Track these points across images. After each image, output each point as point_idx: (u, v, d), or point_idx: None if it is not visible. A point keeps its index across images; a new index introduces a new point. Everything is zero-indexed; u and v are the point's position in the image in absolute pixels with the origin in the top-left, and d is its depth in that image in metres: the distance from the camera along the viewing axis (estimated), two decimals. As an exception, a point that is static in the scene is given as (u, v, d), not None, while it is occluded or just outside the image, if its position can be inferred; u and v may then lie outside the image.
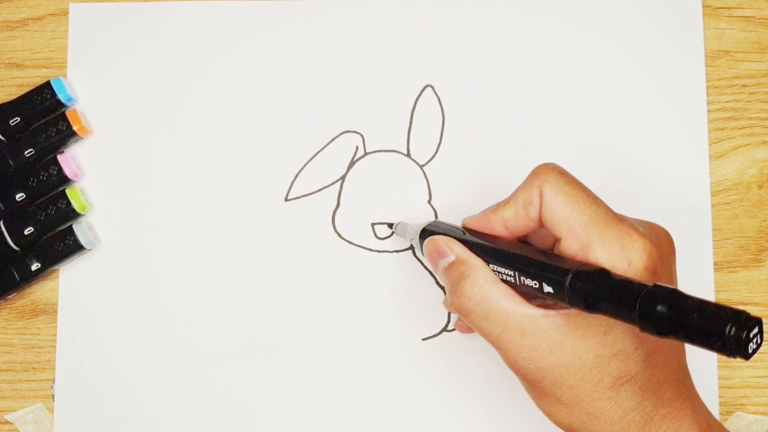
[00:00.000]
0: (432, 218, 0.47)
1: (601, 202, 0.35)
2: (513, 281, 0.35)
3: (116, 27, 0.50)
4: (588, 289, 0.31)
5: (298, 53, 0.49)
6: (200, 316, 0.48)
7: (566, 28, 0.49)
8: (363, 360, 0.47)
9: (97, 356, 0.48)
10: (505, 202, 0.37)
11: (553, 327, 0.34)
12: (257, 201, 0.48)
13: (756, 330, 0.26)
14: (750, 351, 0.26)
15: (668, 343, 0.35)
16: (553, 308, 0.34)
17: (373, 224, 0.48)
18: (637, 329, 0.29)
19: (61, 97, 0.47)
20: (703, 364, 0.47)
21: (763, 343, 0.31)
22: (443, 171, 0.48)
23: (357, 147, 0.49)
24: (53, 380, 0.48)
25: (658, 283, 0.29)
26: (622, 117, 0.48)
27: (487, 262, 0.37)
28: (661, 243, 0.35)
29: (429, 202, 0.48)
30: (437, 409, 0.47)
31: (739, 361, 0.47)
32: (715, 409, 0.46)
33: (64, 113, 0.48)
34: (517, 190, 0.37)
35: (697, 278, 0.47)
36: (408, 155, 0.49)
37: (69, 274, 0.48)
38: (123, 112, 0.49)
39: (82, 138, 0.48)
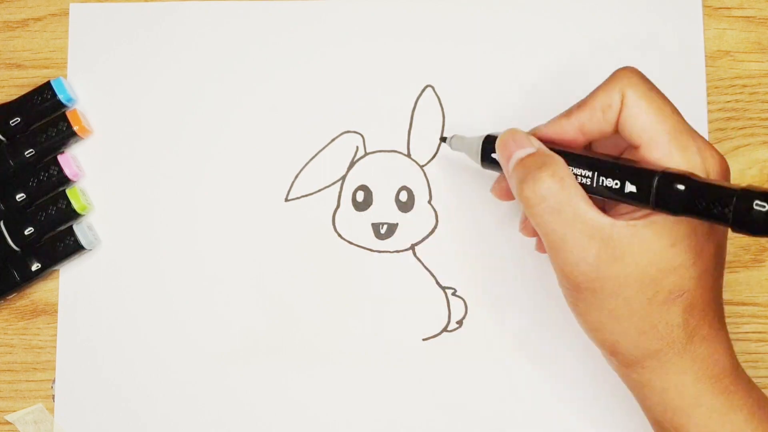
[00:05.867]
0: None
1: (680, 113, 0.35)
2: (590, 184, 0.34)
3: (117, 27, 0.50)
4: (677, 190, 0.31)
5: (299, 53, 0.49)
6: (200, 317, 0.48)
7: (566, 28, 0.49)
8: (363, 360, 0.47)
9: (98, 356, 0.48)
10: (580, 105, 0.36)
11: (621, 236, 0.34)
12: (257, 201, 0.48)
13: None
14: None
15: (719, 265, 0.35)
16: (621, 218, 0.34)
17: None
18: (702, 241, 0.30)
19: (61, 97, 0.48)
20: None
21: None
22: (443, 171, 0.48)
23: (357, 147, 0.49)
24: (53, 380, 0.48)
25: (751, 185, 0.30)
26: (622, 117, 0.48)
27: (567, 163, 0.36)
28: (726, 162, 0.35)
29: (429, 202, 0.48)
30: (437, 409, 0.47)
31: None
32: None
33: (64, 113, 0.48)
34: (595, 92, 0.36)
35: (697, 278, 0.47)
36: (408, 155, 0.49)
37: (69, 274, 0.48)
38: (123, 112, 0.49)
39: (82, 138, 0.48)
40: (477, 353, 0.47)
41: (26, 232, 0.47)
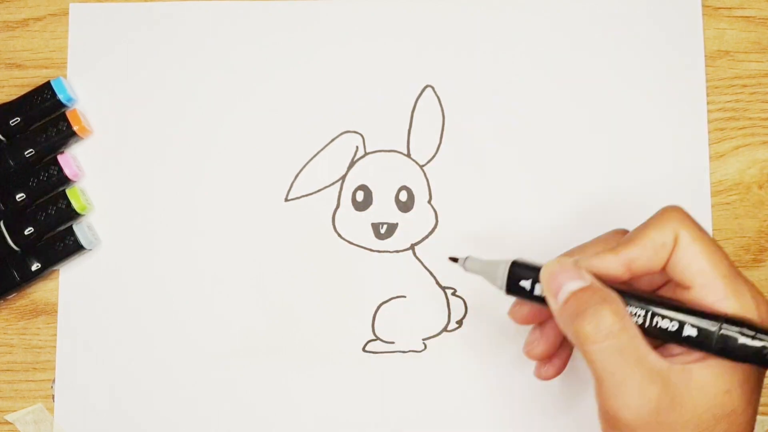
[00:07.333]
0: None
1: (728, 255, 0.35)
2: (643, 324, 0.34)
3: (116, 27, 0.50)
4: (742, 338, 0.31)
5: (299, 53, 0.49)
6: (200, 317, 0.48)
7: (566, 28, 0.49)
8: (363, 360, 0.47)
9: (98, 356, 0.48)
10: (629, 241, 0.35)
11: (678, 381, 0.33)
12: (257, 201, 0.48)
13: None
14: None
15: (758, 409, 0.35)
16: (674, 360, 0.33)
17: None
18: (753, 386, 0.30)
19: (61, 97, 0.47)
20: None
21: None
22: (443, 171, 0.48)
23: (357, 147, 0.49)
24: (53, 380, 0.48)
25: None
26: (622, 117, 0.48)
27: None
28: None
29: (429, 202, 0.48)
30: (438, 409, 0.47)
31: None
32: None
33: (64, 113, 0.48)
34: (645, 229, 0.35)
35: (697, 278, 0.47)
36: (408, 155, 0.49)
37: (69, 274, 0.48)
38: (123, 112, 0.49)
39: (82, 138, 0.48)
40: (477, 353, 0.47)
41: (26, 232, 0.47)
